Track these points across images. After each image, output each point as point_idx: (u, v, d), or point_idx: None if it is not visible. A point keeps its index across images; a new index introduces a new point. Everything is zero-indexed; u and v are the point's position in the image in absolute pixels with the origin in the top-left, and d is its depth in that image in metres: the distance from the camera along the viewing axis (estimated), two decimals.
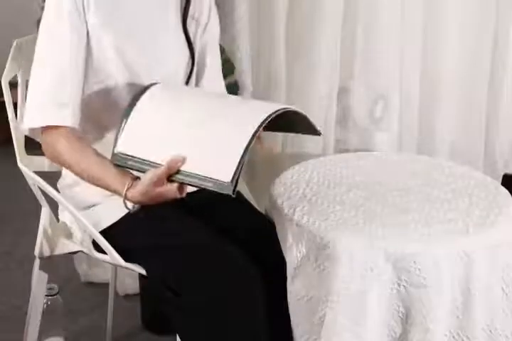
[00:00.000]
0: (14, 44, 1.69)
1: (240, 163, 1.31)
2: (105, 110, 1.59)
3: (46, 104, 1.51)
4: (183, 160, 1.35)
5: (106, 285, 2.15)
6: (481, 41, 2.27)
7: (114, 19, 1.55)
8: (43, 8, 1.56)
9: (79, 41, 1.52)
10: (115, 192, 1.44)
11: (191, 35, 1.65)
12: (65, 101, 1.51)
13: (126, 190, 1.40)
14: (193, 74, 1.67)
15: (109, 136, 1.56)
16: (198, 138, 1.38)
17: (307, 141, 2.28)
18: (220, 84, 1.76)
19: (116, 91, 1.58)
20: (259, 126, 1.34)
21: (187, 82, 1.66)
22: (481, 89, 2.32)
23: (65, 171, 1.67)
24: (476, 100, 2.33)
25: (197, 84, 1.71)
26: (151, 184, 1.37)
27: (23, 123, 1.55)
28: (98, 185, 1.49)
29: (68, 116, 1.52)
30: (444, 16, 2.22)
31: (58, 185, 1.69)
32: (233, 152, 1.33)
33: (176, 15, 1.63)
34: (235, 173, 1.32)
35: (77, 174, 1.53)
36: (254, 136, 1.33)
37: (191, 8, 1.63)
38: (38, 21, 1.56)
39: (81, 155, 1.50)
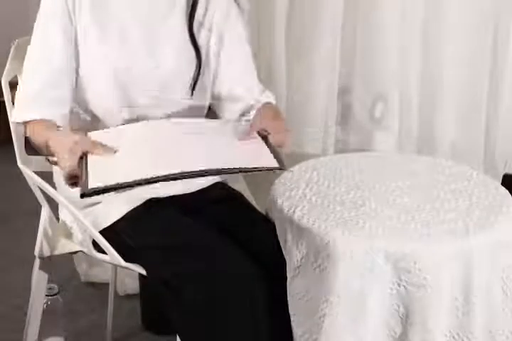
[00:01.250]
0: (14, 44, 1.69)
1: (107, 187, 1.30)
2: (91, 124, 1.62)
3: (37, 100, 1.55)
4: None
5: (106, 285, 2.15)
6: (481, 41, 2.27)
7: (106, 23, 1.56)
8: None
9: (69, 43, 1.55)
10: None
11: (203, 43, 1.65)
12: (56, 98, 1.54)
13: None
14: (199, 80, 1.66)
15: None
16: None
17: (307, 141, 2.28)
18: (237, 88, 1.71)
19: (102, 100, 1.59)
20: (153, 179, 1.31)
21: (193, 88, 1.65)
22: (481, 89, 2.32)
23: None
24: (476, 100, 2.33)
25: (212, 90, 1.70)
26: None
27: (12, 117, 1.59)
28: (47, 147, 1.50)
29: (58, 114, 1.56)
30: (444, 16, 2.22)
31: (55, 180, 1.70)
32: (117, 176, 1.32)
33: (182, 20, 1.63)
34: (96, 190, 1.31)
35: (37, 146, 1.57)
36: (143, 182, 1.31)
37: (199, 16, 1.63)
38: None
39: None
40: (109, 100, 1.59)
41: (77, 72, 1.58)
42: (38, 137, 1.54)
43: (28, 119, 1.57)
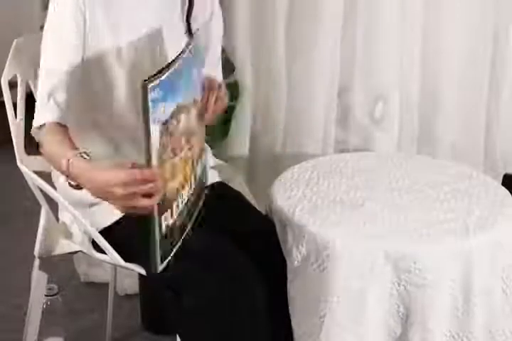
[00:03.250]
0: (14, 44, 1.69)
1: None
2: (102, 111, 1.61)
3: (44, 104, 1.52)
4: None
5: (106, 285, 2.15)
6: (480, 41, 2.26)
7: (117, 19, 1.56)
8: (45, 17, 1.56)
9: (81, 42, 1.53)
10: (60, 164, 1.35)
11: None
12: (60, 101, 1.53)
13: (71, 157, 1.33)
14: None
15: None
16: None
17: (307, 141, 2.28)
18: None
19: (115, 93, 1.58)
20: None
21: None
22: (481, 89, 2.32)
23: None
24: (476, 100, 2.33)
25: None
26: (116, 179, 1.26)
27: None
28: (53, 163, 1.44)
29: (59, 117, 1.52)
30: (444, 16, 2.22)
31: (54, 180, 1.69)
32: None
33: (179, 15, 1.63)
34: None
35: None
36: None
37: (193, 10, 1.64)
38: (42, 27, 1.56)
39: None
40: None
41: (87, 71, 1.57)
42: (50, 151, 1.46)
43: (41, 123, 1.54)
